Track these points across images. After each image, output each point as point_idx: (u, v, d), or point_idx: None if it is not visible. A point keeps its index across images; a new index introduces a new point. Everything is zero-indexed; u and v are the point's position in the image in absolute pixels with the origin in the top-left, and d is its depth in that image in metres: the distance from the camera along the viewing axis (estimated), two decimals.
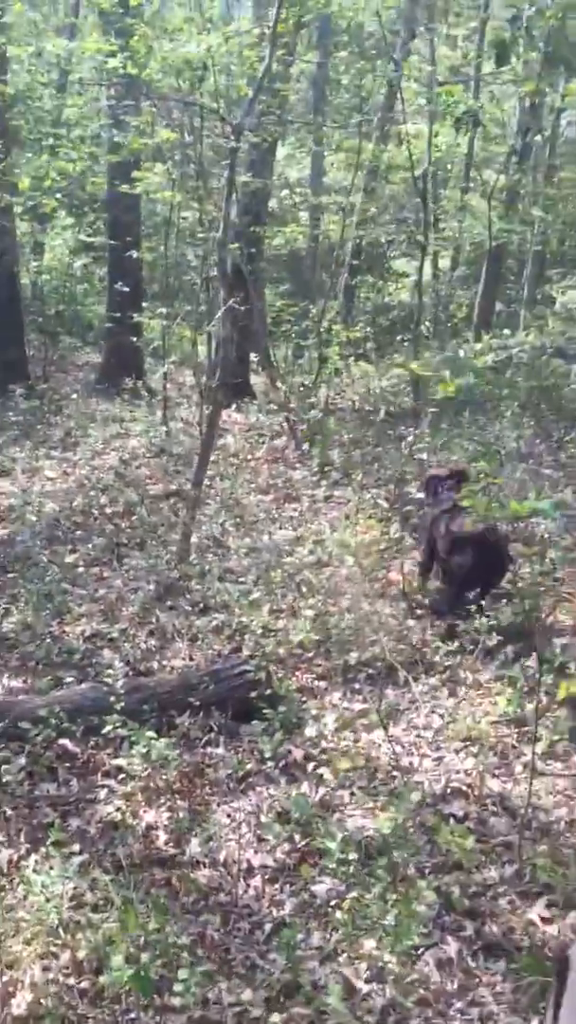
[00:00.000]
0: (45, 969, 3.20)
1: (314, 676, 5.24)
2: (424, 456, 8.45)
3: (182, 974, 2.99)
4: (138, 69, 7.52)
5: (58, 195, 5.70)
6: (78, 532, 7.61)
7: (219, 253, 6.58)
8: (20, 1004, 3.03)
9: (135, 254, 12.30)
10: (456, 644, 5.34)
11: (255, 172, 11.11)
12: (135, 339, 12.92)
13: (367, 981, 3.18)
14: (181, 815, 4.06)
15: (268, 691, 4.74)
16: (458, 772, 4.38)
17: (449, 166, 17.50)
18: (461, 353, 5.52)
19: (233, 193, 6.75)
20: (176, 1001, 3.02)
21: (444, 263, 17.18)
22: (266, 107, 9.65)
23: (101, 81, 12.54)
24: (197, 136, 9.47)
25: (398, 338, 16.48)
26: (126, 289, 12.73)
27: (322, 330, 11.29)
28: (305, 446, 9.77)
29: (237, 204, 9.27)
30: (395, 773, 4.36)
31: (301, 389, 11.09)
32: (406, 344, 14.43)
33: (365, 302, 17.86)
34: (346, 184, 13.86)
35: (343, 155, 14.57)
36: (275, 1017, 2.93)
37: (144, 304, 13.62)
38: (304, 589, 6.15)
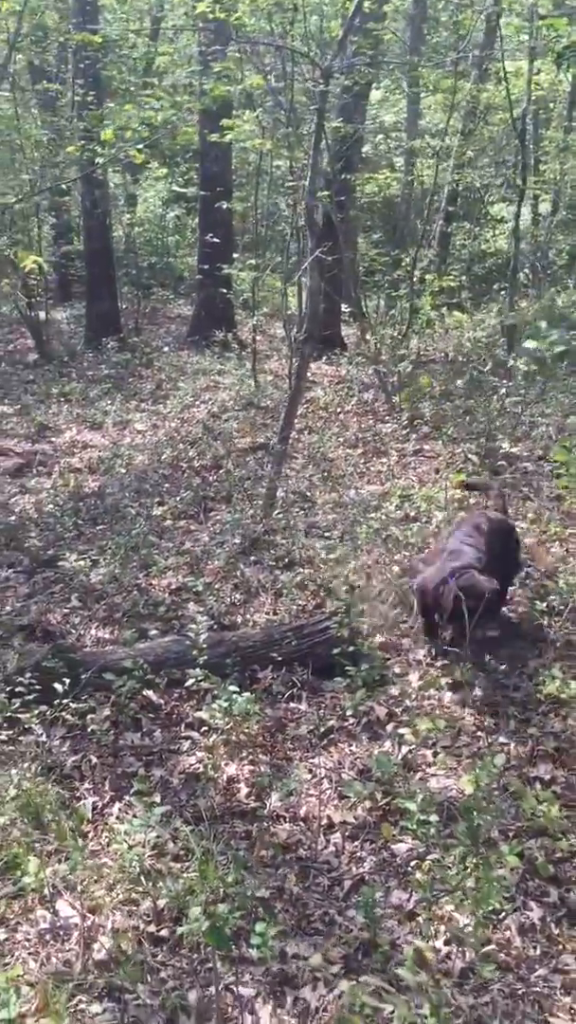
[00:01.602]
0: (127, 916, 3.26)
1: (399, 634, 5.17)
2: (518, 410, 8.21)
3: (259, 927, 2.99)
4: (226, 12, 7.34)
5: (139, 146, 5.59)
6: (166, 485, 7.67)
7: (307, 202, 6.42)
8: (101, 949, 3.09)
9: (225, 205, 12.19)
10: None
11: (346, 117, 10.82)
12: (225, 291, 12.88)
13: (446, 943, 3.15)
14: (262, 769, 4.08)
15: (351, 648, 4.69)
16: (545, 734, 4.27)
17: (551, 105, 16.80)
18: (559, 302, 5.29)
19: (322, 139, 6.56)
20: (253, 953, 3.05)
21: (544, 207, 16.55)
22: (358, 48, 9.35)
23: (191, 26, 12.37)
24: (288, 82, 9.27)
25: (495, 287, 16.03)
26: (216, 240, 12.67)
27: (414, 279, 11.01)
28: (395, 399, 9.60)
29: (327, 151, 9.06)
30: (479, 734, 4.28)
31: (392, 340, 10.87)
32: (503, 293, 14.02)
33: (460, 250, 17.39)
34: (442, 127, 13.43)
35: (440, 96, 14.08)
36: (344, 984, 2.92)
37: (235, 256, 13.53)
38: (391, 545, 6.06)
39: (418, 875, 3.33)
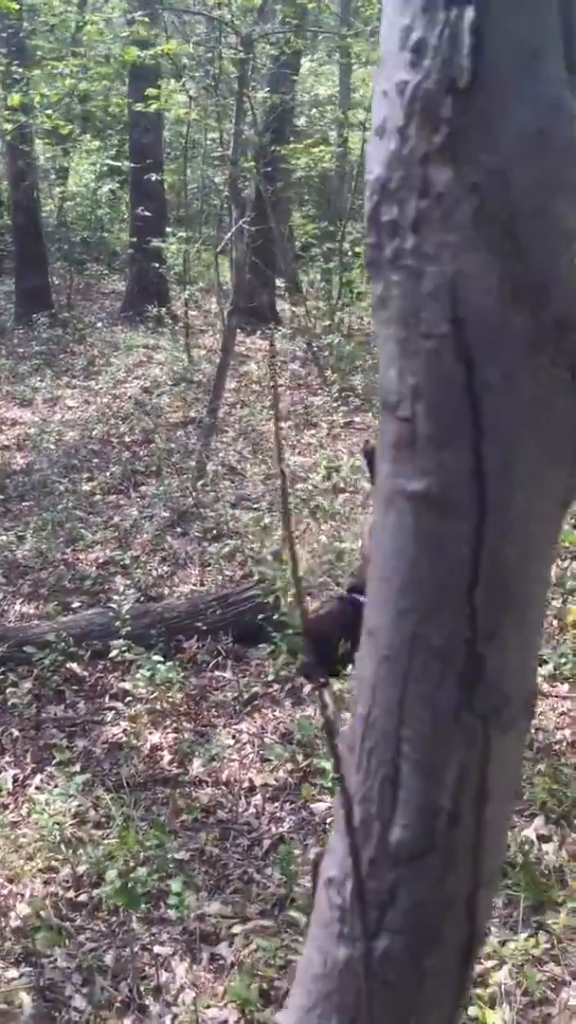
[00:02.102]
0: (45, 883, 3.28)
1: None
2: None
3: (174, 886, 3.04)
4: None
5: (48, 111, 5.50)
6: (96, 460, 7.62)
7: (230, 172, 6.40)
8: (18, 916, 3.11)
9: (155, 177, 12.05)
10: None
11: (275, 88, 10.75)
12: (158, 266, 12.75)
13: None
14: (186, 736, 4.11)
15: (276, 616, 4.73)
16: None
17: None
18: None
19: (245, 109, 6.53)
20: (171, 913, 3.09)
21: None
22: (284, 17, 9.28)
23: None
24: (215, 50, 9.17)
25: None
26: (148, 214, 12.52)
27: (345, 252, 11.04)
28: (327, 372, 9.64)
29: (254, 121, 9.01)
30: None
31: (323, 313, 10.90)
32: None
33: None
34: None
35: (370, 68, 14.03)
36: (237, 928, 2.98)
37: (168, 229, 13.40)
38: (318, 515, 6.11)
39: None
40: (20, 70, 8.01)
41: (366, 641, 0.90)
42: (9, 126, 6.57)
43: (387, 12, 0.86)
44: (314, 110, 17.54)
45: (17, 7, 7.75)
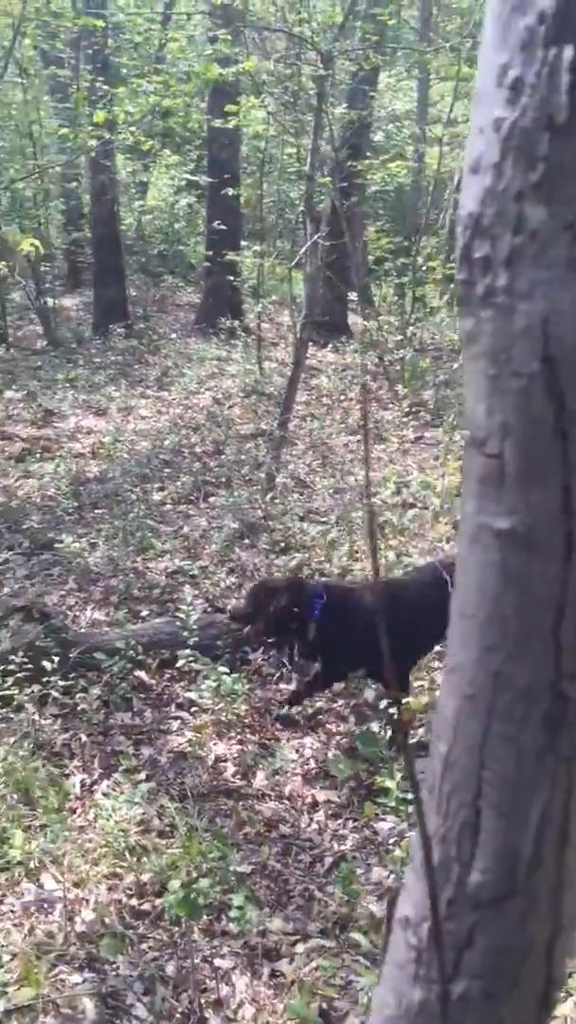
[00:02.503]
0: (110, 889, 3.32)
1: None
2: None
3: (237, 900, 3.05)
4: None
5: (131, 128, 5.60)
6: (167, 470, 7.72)
7: (307, 187, 6.43)
8: (83, 921, 3.15)
9: (232, 192, 12.18)
10: None
11: (354, 103, 10.79)
12: (233, 279, 12.88)
13: None
14: (249, 748, 4.13)
15: None
16: None
17: None
18: None
19: (323, 125, 6.57)
20: (232, 927, 3.10)
21: None
22: (364, 33, 9.31)
23: (200, 12, 12.35)
24: (295, 67, 9.26)
25: None
26: (224, 228, 12.66)
27: (419, 267, 11.00)
28: (398, 387, 9.61)
29: (331, 137, 9.05)
30: None
31: (396, 328, 10.87)
32: None
33: None
34: (454, 115, 13.37)
35: (450, 84, 13.99)
36: (299, 947, 2.97)
37: (243, 243, 13.53)
38: (386, 530, 6.09)
39: (398, 852, 3.37)
40: (105, 87, 8.18)
41: (448, 679, 0.90)
42: (94, 142, 6.70)
43: (484, 49, 0.86)
44: (391, 125, 17.55)
45: (103, 25, 7.94)
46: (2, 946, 3.03)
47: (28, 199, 14.09)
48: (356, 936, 2.96)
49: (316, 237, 6.10)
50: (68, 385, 10.85)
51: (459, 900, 0.87)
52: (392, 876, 3.37)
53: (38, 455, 8.31)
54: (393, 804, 3.52)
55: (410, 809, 3.43)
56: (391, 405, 9.33)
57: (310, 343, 8.89)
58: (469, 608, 0.87)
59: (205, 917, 3.09)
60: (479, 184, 0.86)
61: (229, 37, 6.90)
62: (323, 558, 5.73)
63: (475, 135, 0.87)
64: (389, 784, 3.46)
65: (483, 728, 0.84)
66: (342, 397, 9.87)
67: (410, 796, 3.40)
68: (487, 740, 0.84)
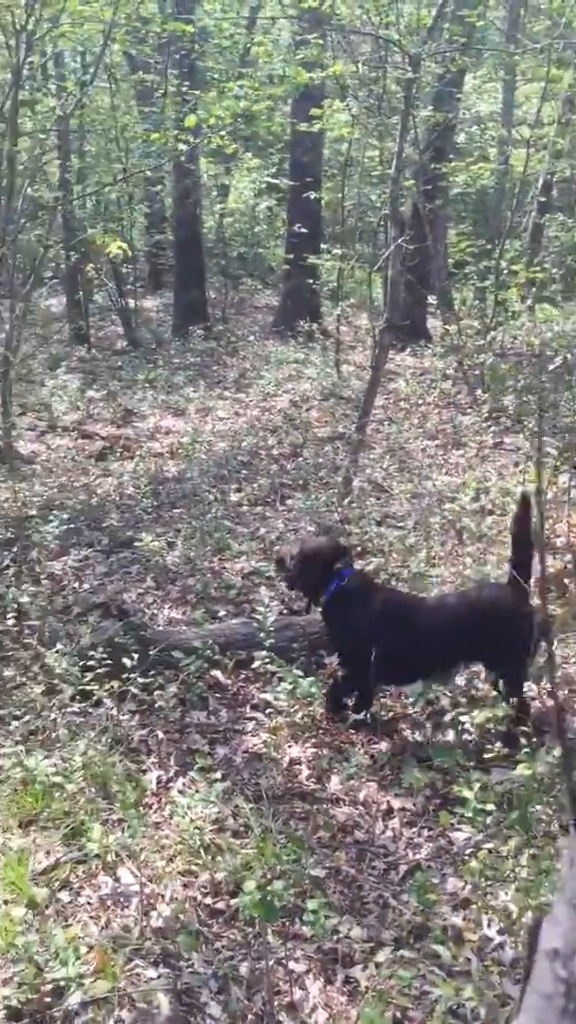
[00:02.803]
0: (185, 886, 3.34)
1: None
2: None
3: (312, 904, 3.04)
4: (319, 1, 7.34)
5: (222, 132, 5.64)
6: (244, 472, 7.76)
7: (391, 191, 6.41)
8: (159, 916, 3.18)
9: (313, 195, 12.21)
10: None
11: (439, 106, 10.71)
12: (312, 281, 12.91)
13: (499, 932, 3.14)
14: (324, 752, 4.12)
15: None
16: None
17: None
18: None
19: (409, 128, 6.53)
20: (305, 931, 3.09)
21: None
22: (451, 36, 9.24)
23: (286, 16, 12.40)
24: (380, 70, 9.23)
25: None
26: (304, 231, 12.70)
27: (501, 271, 10.86)
28: (477, 391, 9.50)
29: (416, 140, 9.00)
30: (545, 728, 4.24)
31: (477, 332, 10.75)
32: None
33: (553, 242, 17.05)
34: (541, 117, 13.19)
35: (536, 85, 13.81)
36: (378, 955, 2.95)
37: (323, 246, 13.55)
38: (464, 536, 6.02)
39: (473, 863, 3.32)
40: (193, 92, 8.27)
41: None
42: (182, 146, 6.78)
43: None
44: (474, 127, 17.39)
45: (192, 30, 8.03)
46: (80, 938, 3.07)
47: (112, 202, 14.34)
48: (436, 947, 2.92)
49: (399, 241, 6.06)
50: (148, 385, 11.00)
51: None
52: (467, 888, 3.32)
53: (118, 454, 8.45)
54: (470, 815, 3.47)
55: (488, 821, 3.38)
56: (470, 410, 9.22)
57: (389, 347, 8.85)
58: None
59: (279, 919, 3.10)
60: None
61: (321, 42, 6.89)
62: (400, 563, 5.69)
63: None
64: (467, 794, 3.41)
65: None
66: (420, 402, 9.80)
67: (489, 808, 3.35)
68: None
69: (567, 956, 0.89)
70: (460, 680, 4.54)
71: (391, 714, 4.41)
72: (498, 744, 4.05)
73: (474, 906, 3.21)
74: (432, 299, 12.29)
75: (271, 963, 2.96)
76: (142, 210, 16.36)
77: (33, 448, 8.62)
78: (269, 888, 3.03)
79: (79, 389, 10.59)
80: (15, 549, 5.97)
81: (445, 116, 10.40)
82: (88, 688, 4.32)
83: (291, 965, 3.00)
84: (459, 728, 4.16)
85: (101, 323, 15.13)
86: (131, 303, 13.66)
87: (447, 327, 10.80)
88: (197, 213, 13.78)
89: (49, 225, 10.27)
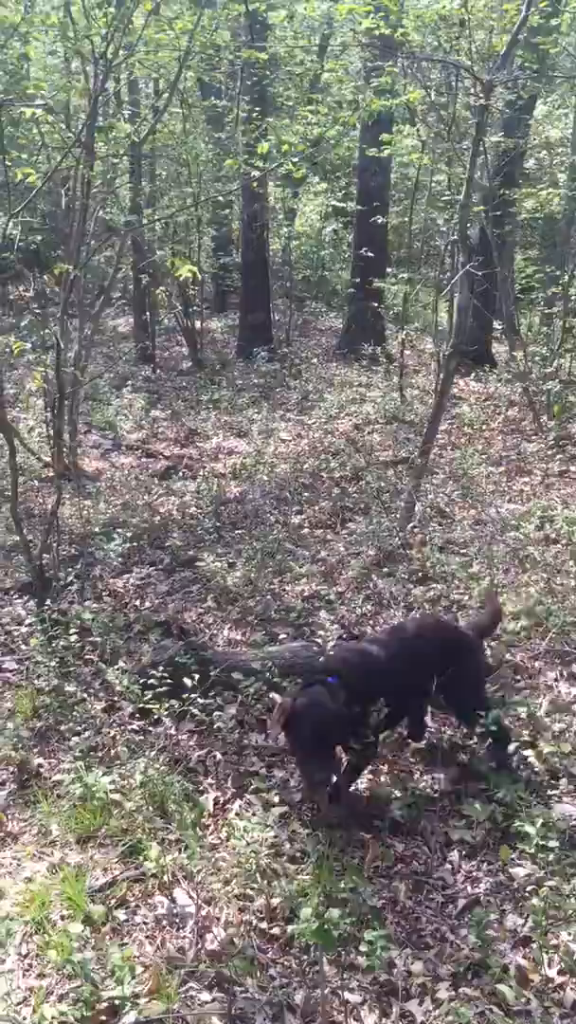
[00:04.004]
0: (240, 910, 3.33)
1: (529, 655, 5.07)
2: None
3: (369, 935, 3.00)
4: (392, 28, 7.38)
5: (295, 160, 5.68)
6: (306, 494, 7.77)
7: (460, 216, 6.39)
8: (214, 939, 3.17)
9: (381, 219, 12.25)
10: None
11: (509, 131, 10.68)
12: (377, 305, 12.93)
13: (560, 972, 3.07)
14: (383, 780, 4.08)
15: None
16: None
17: None
18: None
19: (480, 154, 6.52)
20: (361, 961, 3.05)
21: None
22: (523, 62, 9.22)
23: (357, 43, 12.51)
24: (451, 96, 9.26)
25: None
26: (370, 255, 12.73)
27: (570, 298, 10.75)
28: (543, 418, 9.40)
29: (486, 165, 8.99)
30: None
31: (543, 359, 10.65)
32: None
33: None
34: None
35: None
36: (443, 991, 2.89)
37: (389, 270, 13.58)
38: (527, 565, 5.95)
39: (535, 900, 3.26)
40: (264, 118, 8.38)
41: None
42: (255, 172, 6.87)
43: None
44: (543, 152, 17.26)
45: (265, 57, 8.14)
46: (135, 957, 3.08)
47: (181, 225, 14.55)
48: (501, 988, 2.86)
49: (467, 266, 6.04)
50: (211, 406, 11.10)
51: None
52: (528, 925, 3.25)
53: (181, 473, 8.52)
54: (531, 850, 3.40)
55: (550, 857, 3.31)
56: (535, 437, 9.13)
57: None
58: None
59: (335, 948, 3.06)
60: None
61: (396, 69, 6.94)
62: (462, 590, 5.63)
63: None
64: (529, 829, 3.34)
65: None
66: (484, 427, 9.72)
67: (551, 844, 3.28)
68: None
69: None
70: (521, 711, 4.47)
71: (451, 742, 4.35)
72: (563, 779, 3.98)
73: (535, 945, 3.14)
74: (498, 324, 12.20)
75: (326, 992, 2.93)
76: (209, 232, 16.57)
77: (98, 466, 8.74)
78: (326, 916, 3.01)
79: (144, 408, 10.73)
80: (79, 565, 6.05)
81: (515, 142, 10.37)
82: (148, 706, 4.35)
83: (346, 995, 2.96)
84: (522, 761, 4.08)
85: (167, 344, 15.33)
86: (197, 324, 13.82)
87: (513, 353, 10.72)
88: (265, 236, 13.92)
89: (120, 247, 10.45)
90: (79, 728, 4.38)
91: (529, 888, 3.40)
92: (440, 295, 9.21)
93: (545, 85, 13.57)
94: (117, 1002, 2.85)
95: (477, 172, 7.80)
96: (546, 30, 10.15)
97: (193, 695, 4.31)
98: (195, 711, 4.34)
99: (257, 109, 12.46)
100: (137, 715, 4.48)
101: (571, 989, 2.99)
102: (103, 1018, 2.83)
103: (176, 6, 9.96)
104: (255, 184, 10.14)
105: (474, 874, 3.58)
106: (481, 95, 6.28)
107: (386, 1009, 2.92)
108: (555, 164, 17.04)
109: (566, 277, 10.93)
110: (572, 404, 9.44)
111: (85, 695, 4.66)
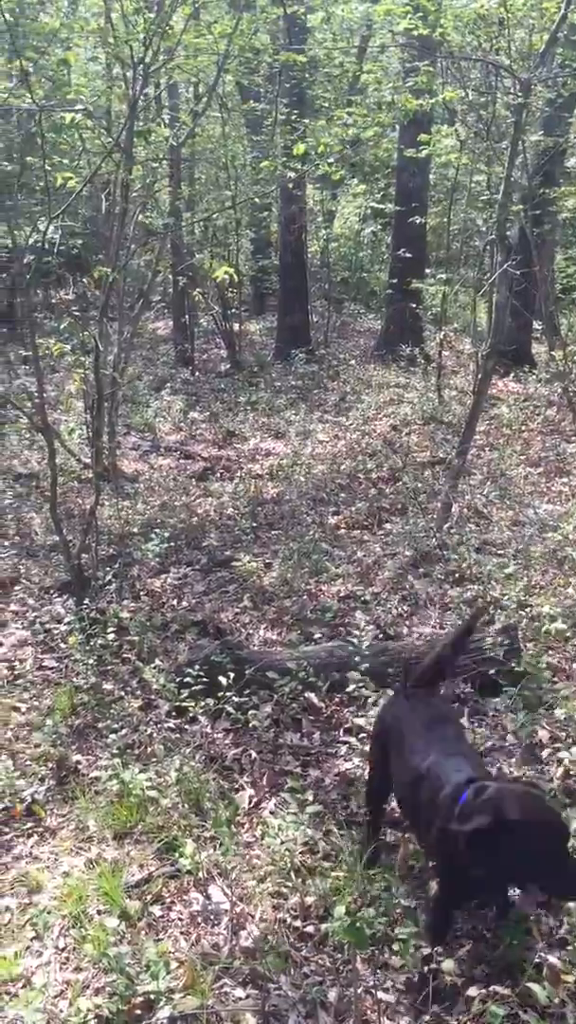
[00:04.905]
0: (275, 908, 3.34)
1: (567, 656, 5.02)
2: None
3: (402, 934, 3.00)
4: (430, 28, 7.37)
5: (331, 160, 5.70)
6: (343, 495, 7.77)
7: (499, 215, 6.36)
8: (248, 936, 3.19)
9: (419, 220, 12.21)
10: None
11: (548, 130, 10.60)
12: (415, 306, 12.89)
13: None
14: None
15: (515, 667, 4.60)
16: None
17: None
18: None
19: (518, 153, 6.49)
20: (395, 960, 3.06)
21: None
22: (563, 60, 9.15)
23: (395, 43, 12.48)
24: (490, 95, 9.21)
25: None
26: (409, 256, 12.70)
27: None
28: None
29: (525, 165, 8.93)
30: None
31: None
32: None
33: None
34: None
35: None
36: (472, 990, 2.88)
37: (427, 271, 13.54)
38: (567, 566, 5.90)
39: (572, 904, 3.23)
40: (302, 120, 8.40)
41: None
42: (292, 174, 6.90)
43: None
44: None
45: (304, 60, 8.16)
46: (170, 952, 3.10)
47: (220, 228, 14.64)
48: (533, 987, 2.84)
49: (506, 265, 6.01)
50: (249, 408, 11.14)
51: None
52: (564, 927, 3.23)
53: (218, 474, 8.57)
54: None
55: None
56: (573, 438, 9.04)
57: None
58: None
59: (369, 947, 3.06)
60: None
61: (431, 69, 6.92)
62: (499, 592, 5.60)
63: None
64: None
65: None
66: (523, 428, 9.66)
67: None
68: None
69: None
70: (559, 713, 4.44)
71: (487, 744, 4.33)
72: None
73: (570, 947, 3.11)
74: (537, 325, 12.11)
75: (360, 991, 2.93)
76: (248, 235, 16.63)
77: (137, 467, 8.82)
78: (359, 914, 3.01)
79: (182, 410, 10.81)
80: (117, 565, 6.11)
81: (555, 140, 10.29)
82: (184, 705, 4.39)
83: (380, 995, 2.97)
84: (557, 763, 4.05)
85: (205, 346, 15.41)
86: (235, 326, 13.88)
87: (552, 353, 10.63)
88: (303, 238, 13.94)
89: (159, 250, 10.54)
90: (116, 725, 4.43)
91: None
92: (478, 295, 9.16)
93: None
94: (152, 996, 2.88)
95: (516, 171, 7.77)
96: None
97: (228, 694, 4.34)
98: (230, 710, 4.37)
99: (296, 112, 12.49)
100: (173, 713, 4.52)
101: None
102: (138, 1012, 2.87)
103: (215, 10, 10.03)
104: (292, 186, 10.16)
105: None
106: (520, 94, 6.24)
107: (422, 1009, 2.91)
108: None
109: None
110: None
111: (122, 693, 4.72)
